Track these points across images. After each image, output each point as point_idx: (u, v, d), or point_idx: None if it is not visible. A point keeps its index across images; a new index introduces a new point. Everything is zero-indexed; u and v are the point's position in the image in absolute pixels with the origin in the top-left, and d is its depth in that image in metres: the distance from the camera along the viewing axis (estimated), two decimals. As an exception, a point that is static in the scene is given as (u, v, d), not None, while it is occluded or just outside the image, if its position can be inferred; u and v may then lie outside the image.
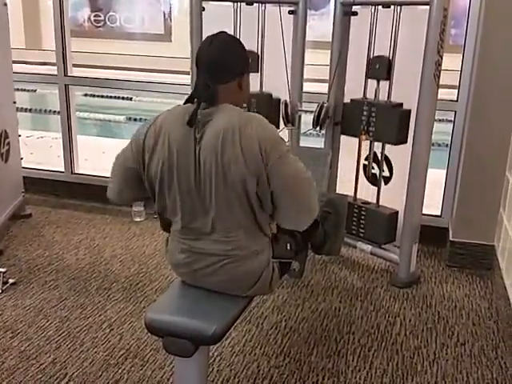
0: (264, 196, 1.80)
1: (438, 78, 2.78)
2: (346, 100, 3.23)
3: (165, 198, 1.88)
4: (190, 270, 1.94)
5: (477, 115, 3.07)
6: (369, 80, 3.09)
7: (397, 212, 3.14)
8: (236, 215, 1.82)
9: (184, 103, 1.87)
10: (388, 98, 3.02)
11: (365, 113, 3.09)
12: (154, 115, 1.91)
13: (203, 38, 1.89)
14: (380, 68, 2.99)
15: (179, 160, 1.81)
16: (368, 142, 3.16)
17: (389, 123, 3.00)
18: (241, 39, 1.90)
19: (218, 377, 2.28)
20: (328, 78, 3.18)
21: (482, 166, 3.10)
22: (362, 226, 3.26)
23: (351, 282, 3.07)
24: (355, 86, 3.15)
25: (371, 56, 3.04)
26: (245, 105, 2.97)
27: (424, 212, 3.10)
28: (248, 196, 1.78)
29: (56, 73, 4.01)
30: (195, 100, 1.81)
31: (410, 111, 2.96)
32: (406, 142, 2.98)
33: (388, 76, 2.98)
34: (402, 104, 3.01)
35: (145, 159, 1.86)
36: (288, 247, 1.97)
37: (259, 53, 3.19)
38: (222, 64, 1.82)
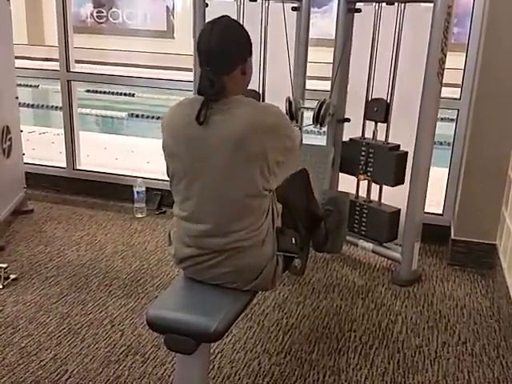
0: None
1: (442, 76, 2.77)
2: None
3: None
4: (195, 263, 1.94)
5: (480, 114, 3.05)
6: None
7: (399, 210, 3.13)
8: (246, 199, 1.83)
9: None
10: (386, 139, 3.07)
11: (363, 153, 3.15)
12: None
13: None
14: (378, 111, 3.05)
15: (186, 153, 1.83)
16: (366, 181, 3.20)
17: (386, 166, 3.06)
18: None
19: (219, 374, 2.28)
20: (331, 75, 3.18)
21: (484, 164, 3.09)
22: (363, 223, 3.25)
23: (352, 280, 3.07)
24: (357, 86, 3.16)
25: (374, 53, 3.04)
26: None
27: (426, 210, 3.09)
28: (268, 164, 1.81)
29: (58, 68, 4.01)
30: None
31: (406, 153, 3.01)
32: (403, 183, 3.04)
33: (386, 119, 3.03)
34: (399, 146, 3.05)
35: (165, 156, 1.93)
36: (293, 241, 1.98)
37: (262, 49, 3.19)
38: (224, 56, 1.80)
